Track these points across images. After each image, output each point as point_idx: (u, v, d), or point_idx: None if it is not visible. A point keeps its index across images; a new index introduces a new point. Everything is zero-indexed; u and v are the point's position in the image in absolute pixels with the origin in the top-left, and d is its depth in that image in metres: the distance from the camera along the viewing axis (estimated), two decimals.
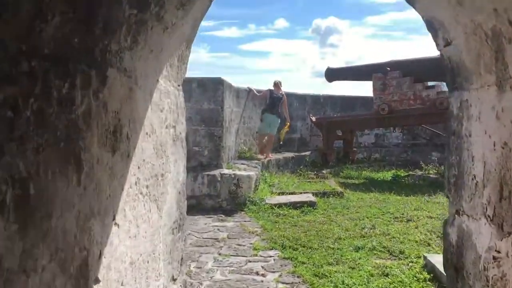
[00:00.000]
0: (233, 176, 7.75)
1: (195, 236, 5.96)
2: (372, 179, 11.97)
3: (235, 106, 10.17)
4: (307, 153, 13.19)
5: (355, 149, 14.20)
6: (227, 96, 8.73)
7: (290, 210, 7.35)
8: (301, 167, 12.04)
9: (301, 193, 8.44)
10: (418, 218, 6.98)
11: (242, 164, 9.35)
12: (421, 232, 6.10)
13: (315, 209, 7.52)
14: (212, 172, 7.78)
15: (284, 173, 11.37)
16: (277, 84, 11.36)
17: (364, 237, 5.92)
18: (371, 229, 6.31)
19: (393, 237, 5.87)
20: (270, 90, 11.33)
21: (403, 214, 7.22)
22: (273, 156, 11.69)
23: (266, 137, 11.27)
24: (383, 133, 15.47)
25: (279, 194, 8.40)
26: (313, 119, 13.49)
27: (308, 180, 10.36)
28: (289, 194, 8.39)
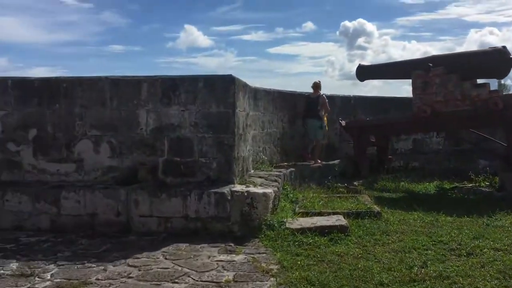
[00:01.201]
0: (246, 194, 6.40)
1: (192, 278, 4.62)
2: (412, 192, 10.45)
3: (253, 109, 8.84)
4: (336, 161, 11.73)
5: (390, 156, 12.67)
6: (241, 97, 7.40)
7: (316, 238, 5.95)
8: (330, 178, 10.60)
9: (329, 213, 7.02)
10: (481, 250, 5.48)
11: (259, 177, 8.00)
12: (491, 275, 4.61)
13: (348, 235, 6.11)
14: (220, 190, 6.46)
15: (309, 186, 9.97)
16: (313, 86, 11.26)
17: (414, 281, 4.48)
18: (422, 267, 4.85)
19: (454, 283, 4.41)
20: (305, 95, 11.42)
21: (460, 244, 5.73)
22: (316, 163, 10.31)
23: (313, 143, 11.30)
24: (422, 138, 13.86)
25: (303, 214, 7.01)
26: (343, 123, 12.05)
27: (337, 195, 8.92)
28: (315, 215, 6.99)
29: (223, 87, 6.86)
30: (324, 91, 11.41)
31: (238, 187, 6.68)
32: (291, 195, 8.66)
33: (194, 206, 6.39)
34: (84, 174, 7.08)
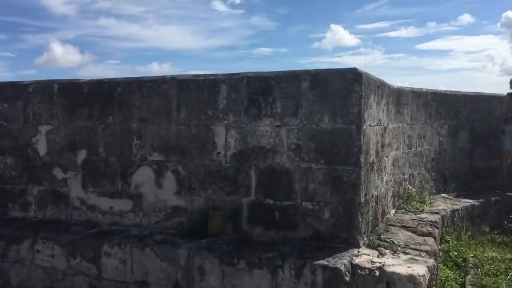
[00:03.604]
0: (377, 274, 3.79)
1: None
2: None
3: (394, 119, 6.11)
4: None
5: None
6: (373, 103, 4.78)
7: None
8: None
9: None
10: None
11: (402, 227, 5.26)
12: None
13: None
14: (333, 262, 3.94)
15: (483, 233, 6.86)
16: None
17: None
18: None
19: None
20: (509, 94, 8.79)
21: None
22: (464, 201, 7.24)
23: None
24: None
25: None
26: None
27: None
28: None
29: (342, 88, 4.31)
30: (480, 88, 8.29)
31: (364, 256, 4.08)
32: (455, 253, 5.75)
33: (289, 287, 3.97)
34: (142, 215, 5.13)
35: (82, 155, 5.38)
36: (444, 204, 6.93)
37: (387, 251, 4.30)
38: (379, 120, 5.13)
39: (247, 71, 4.72)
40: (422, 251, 4.44)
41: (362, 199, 4.38)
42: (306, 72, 4.44)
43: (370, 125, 4.63)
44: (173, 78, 4.97)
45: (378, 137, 5.06)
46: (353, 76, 4.30)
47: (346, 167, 4.32)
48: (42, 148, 5.58)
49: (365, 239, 4.45)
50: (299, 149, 4.46)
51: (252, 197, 4.67)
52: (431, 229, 5.34)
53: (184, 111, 4.90)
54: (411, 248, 4.49)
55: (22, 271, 4.99)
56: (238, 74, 4.71)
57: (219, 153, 4.78)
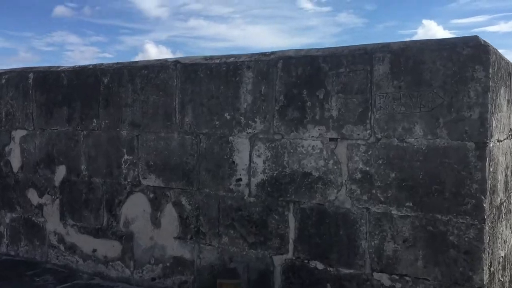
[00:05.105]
0: None
1: None
2: None
3: None
4: None
5: None
6: (503, 102, 2.81)
7: None
8: None
9: None
10: None
11: None
12: None
13: None
14: None
15: None
16: None
17: None
18: None
19: None
20: None
21: None
22: None
23: None
24: None
25: None
26: None
27: None
28: None
29: (451, 74, 2.41)
30: None
31: None
32: None
33: None
34: (133, 266, 3.55)
35: (60, 173, 3.91)
36: None
37: None
38: (510, 129, 3.14)
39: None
40: None
41: (486, 276, 2.45)
42: (384, 47, 2.59)
43: (498, 140, 2.68)
44: (176, 62, 3.33)
45: (508, 159, 3.07)
46: (472, 52, 2.38)
47: (455, 217, 2.42)
48: (15, 161, 4.19)
49: None
50: (368, 180, 2.63)
51: (289, 254, 2.90)
52: None
53: (191, 113, 3.24)
54: None
55: None
56: (270, 53, 2.97)
57: (240, 179, 3.06)
